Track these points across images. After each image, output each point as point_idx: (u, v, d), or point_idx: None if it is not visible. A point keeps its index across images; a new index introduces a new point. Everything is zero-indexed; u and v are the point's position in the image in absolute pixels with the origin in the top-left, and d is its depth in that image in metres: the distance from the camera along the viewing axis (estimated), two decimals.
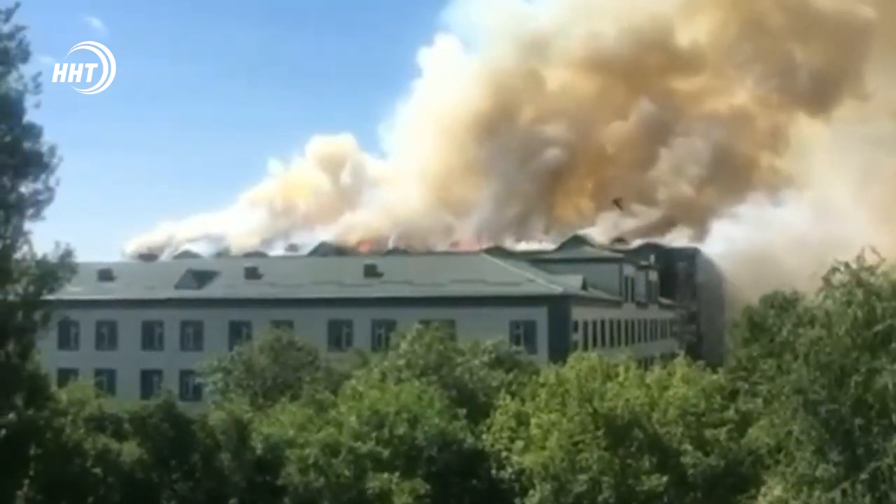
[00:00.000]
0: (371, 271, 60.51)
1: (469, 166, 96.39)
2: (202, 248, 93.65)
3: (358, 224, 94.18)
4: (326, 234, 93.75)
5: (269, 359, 42.18)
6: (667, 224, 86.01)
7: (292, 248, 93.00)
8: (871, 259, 11.65)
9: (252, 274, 63.69)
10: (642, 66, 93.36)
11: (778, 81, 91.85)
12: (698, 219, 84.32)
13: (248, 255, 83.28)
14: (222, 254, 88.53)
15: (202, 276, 64.02)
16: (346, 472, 25.44)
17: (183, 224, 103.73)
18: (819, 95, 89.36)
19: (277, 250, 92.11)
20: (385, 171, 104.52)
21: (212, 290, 62.27)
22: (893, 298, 11.16)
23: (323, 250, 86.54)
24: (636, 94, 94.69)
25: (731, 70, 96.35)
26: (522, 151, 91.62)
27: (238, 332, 55.07)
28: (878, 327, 10.84)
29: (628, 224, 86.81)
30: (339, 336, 55.08)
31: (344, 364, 40.23)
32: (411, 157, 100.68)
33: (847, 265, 11.53)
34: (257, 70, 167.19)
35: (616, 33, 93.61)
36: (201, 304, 60.64)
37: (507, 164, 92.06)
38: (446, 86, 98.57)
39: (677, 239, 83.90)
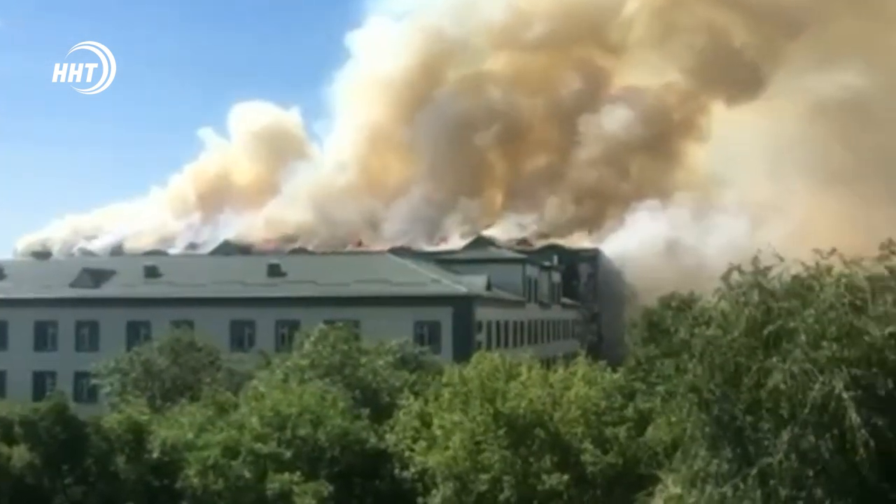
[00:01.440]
0: (275, 271, 59.87)
1: (399, 151, 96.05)
2: (102, 245, 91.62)
3: (285, 216, 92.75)
4: (253, 224, 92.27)
5: (169, 360, 41.35)
6: (576, 221, 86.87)
7: (192, 246, 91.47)
8: (767, 260, 11.90)
9: (151, 273, 62.32)
10: (570, 44, 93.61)
11: (700, 64, 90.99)
12: (609, 213, 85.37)
13: (148, 254, 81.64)
14: (116, 252, 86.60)
15: (99, 275, 62.40)
16: (247, 474, 25.05)
17: (89, 217, 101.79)
18: (738, 84, 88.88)
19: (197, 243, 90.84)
20: (320, 159, 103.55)
21: (109, 289, 60.74)
22: (787, 299, 11.41)
23: (225, 249, 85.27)
24: (560, 72, 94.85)
25: (655, 51, 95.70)
26: (450, 132, 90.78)
27: (136, 332, 53.86)
28: (771, 327, 11.08)
29: (543, 220, 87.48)
30: (241, 336, 54.39)
31: (246, 365, 39.77)
32: (344, 146, 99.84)
33: (739, 267, 11.77)
34: (197, 72, 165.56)
35: (546, 9, 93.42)
36: (97, 303, 59.14)
37: (435, 147, 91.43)
38: (375, 69, 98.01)
39: (586, 237, 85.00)
